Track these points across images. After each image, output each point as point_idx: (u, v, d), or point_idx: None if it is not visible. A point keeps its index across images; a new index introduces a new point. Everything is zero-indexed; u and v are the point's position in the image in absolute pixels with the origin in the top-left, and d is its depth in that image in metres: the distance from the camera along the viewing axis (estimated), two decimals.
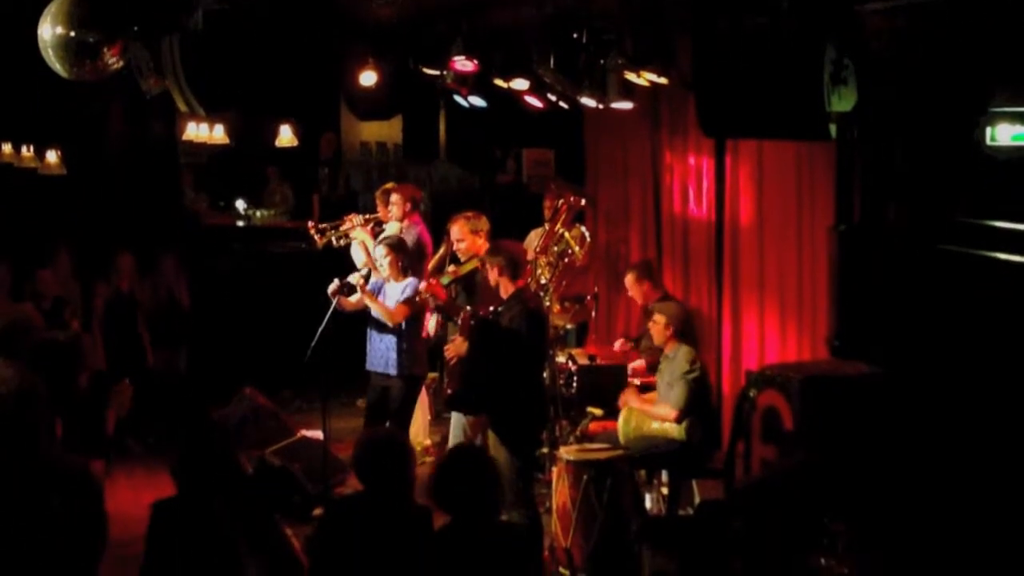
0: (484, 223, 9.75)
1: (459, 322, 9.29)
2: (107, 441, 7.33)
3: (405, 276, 9.48)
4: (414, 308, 9.43)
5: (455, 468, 5.60)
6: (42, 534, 5.29)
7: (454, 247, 9.80)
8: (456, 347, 8.94)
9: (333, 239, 11.03)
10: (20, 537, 5.25)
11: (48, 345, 7.19)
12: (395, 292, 9.45)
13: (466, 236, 9.63)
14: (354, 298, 9.40)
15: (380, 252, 9.54)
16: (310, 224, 11.20)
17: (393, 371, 9.44)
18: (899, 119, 7.15)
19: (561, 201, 10.31)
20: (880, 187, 7.52)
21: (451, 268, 9.83)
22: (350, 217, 10.99)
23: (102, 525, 5.51)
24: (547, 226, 10.64)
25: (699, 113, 7.87)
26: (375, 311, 9.35)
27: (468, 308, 9.21)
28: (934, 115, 6.90)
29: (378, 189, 11.38)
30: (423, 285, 9.34)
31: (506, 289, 8.34)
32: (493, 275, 8.41)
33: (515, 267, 8.36)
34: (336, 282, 9.28)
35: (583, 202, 10.64)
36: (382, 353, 9.46)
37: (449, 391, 9.43)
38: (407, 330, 9.44)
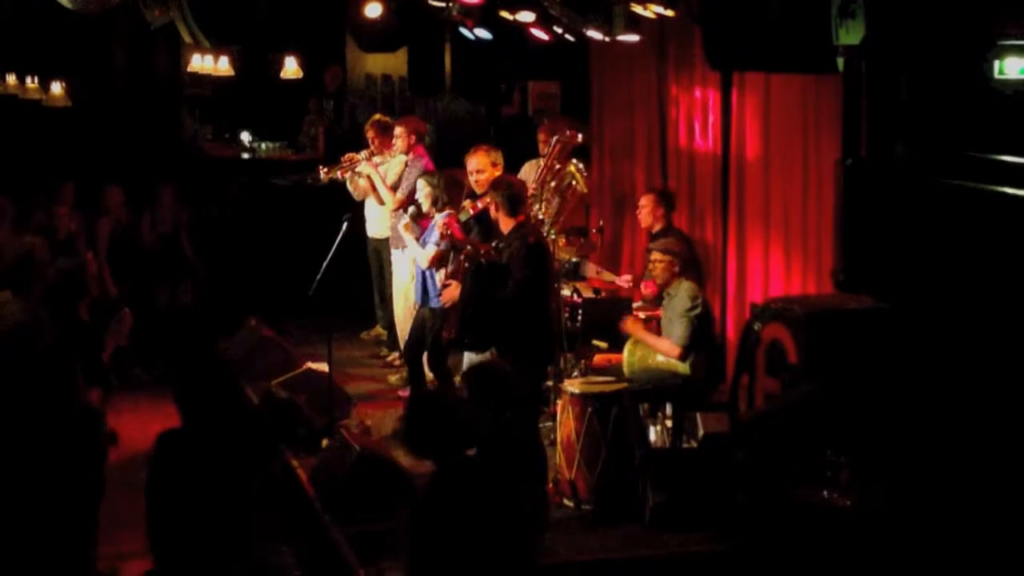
0: (499, 155, 9.66)
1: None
2: (104, 369, 7.35)
3: (436, 209, 9.70)
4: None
5: (419, 416, 5.50)
6: (41, 461, 5.34)
7: (471, 179, 9.64)
8: (450, 293, 8.85)
9: (338, 173, 11.07)
10: (20, 464, 5.31)
11: (52, 274, 7.25)
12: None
13: (486, 168, 9.39)
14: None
15: (420, 184, 9.89)
16: (322, 169, 11.30)
17: (436, 303, 9.49)
18: (906, 53, 7.11)
19: (556, 138, 10.09)
20: (887, 121, 7.49)
21: (467, 203, 9.67)
22: (348, 156, 11.06)
23: (99, 453, 5.56)
24: (542, 160, 10.46)
25: (706, 46, 7.85)
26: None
27: (469, 248, 9.13)
28: (942, 48, 6.86)
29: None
30: (441, 221, 9.31)
31: (505, 224, 8.29)
32: (492, 210, 8.39)
33: (513, 202, 8.29)
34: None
35: (579, 138, 10.42)
36: (434, 288, 9.58)
37: (446, 335, 9.33)
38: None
